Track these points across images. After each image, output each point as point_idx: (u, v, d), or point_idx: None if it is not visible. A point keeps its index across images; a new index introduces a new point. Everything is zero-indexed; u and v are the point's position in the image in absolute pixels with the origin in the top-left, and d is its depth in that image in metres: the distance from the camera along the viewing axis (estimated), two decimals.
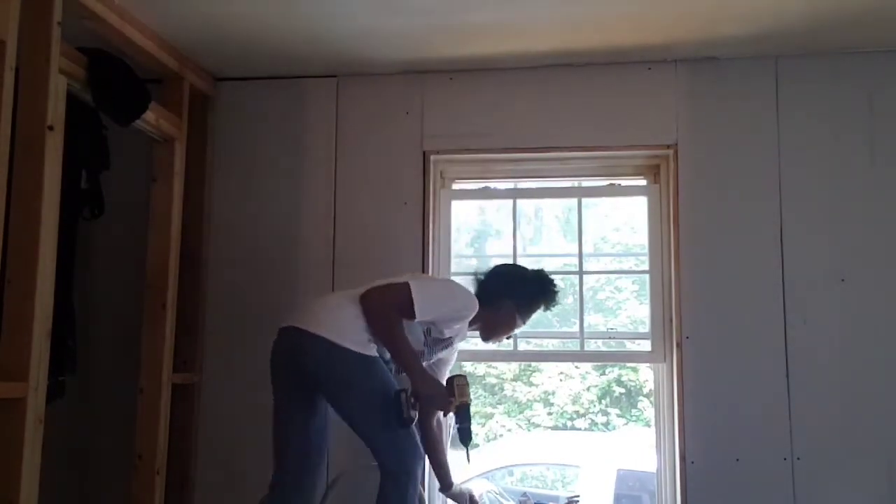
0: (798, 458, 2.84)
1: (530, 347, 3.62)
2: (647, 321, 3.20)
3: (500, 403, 8.66)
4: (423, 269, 3.09)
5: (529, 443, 7.54)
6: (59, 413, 2.59)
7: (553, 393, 8.46)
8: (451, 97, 3.20)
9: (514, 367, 8.34)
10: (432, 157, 3.19)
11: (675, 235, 3.02)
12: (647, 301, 3.22)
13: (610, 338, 4.18)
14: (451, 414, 2.57)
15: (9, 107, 2.09)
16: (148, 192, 3.00)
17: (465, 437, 2.52)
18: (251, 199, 3.26)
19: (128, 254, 3.13)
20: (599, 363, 7.83)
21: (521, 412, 8.53)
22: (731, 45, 2.94)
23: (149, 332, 2.93)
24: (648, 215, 3.19)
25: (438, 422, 2.81)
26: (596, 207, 7.44)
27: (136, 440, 2.87)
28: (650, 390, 4.80)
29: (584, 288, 3.39)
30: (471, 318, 2.59)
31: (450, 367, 2.84)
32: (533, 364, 8.24)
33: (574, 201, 3.45)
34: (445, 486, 2.79)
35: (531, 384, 8.56)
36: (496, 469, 5.68)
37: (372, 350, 2.42)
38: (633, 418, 8.34)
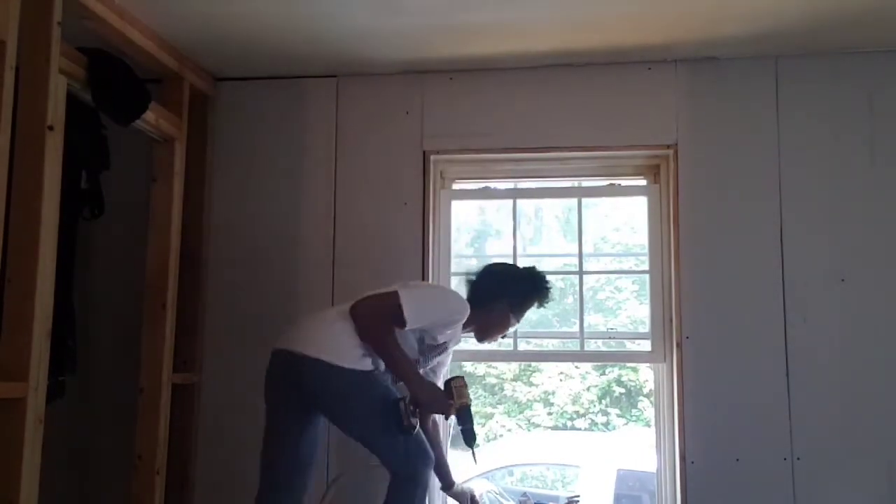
0: (798, 458, 2.84)
1: (530, 347, 3.62)
2: (647, 321, 3.20)
3: (500, 403, 8.66)
4: (423, 269, 3.10)
5: (529, 443, 7.54)
6: (59, 413, 2.59)
7: (553, 393, 8.46)
8: (451, 97, 3.19)
9: (514, 367, 8.34)
10: (432, 157, 3.19)
11: (675, 235, 3.02)
12: (647, 301, 3.22)
13: (610, 338, 4.18)
14: (453, 417, 2.56)
15: (9, 107, 2.09)
16: (148, 192, 3.00)
17: (468, 438, 2.51)
18: (251, 199, 3.26)
19: (128, 254, 3.13)
20: (599, 363, 7.83)
21: (521, 412, 8.53)
22: (731, 45, 2.94)
23: (149, 332, 2.92)
24: (648, 215, 3.19)
25: (434, 421, 2.81)
26: (596, 207, 7.45)
27: (136, 440, 2.87)
28: (650, 390, 4.80)
29: (584, 288, 3.39)
30: (463, 321, 2.58)
31: (445, 369, 2.84)
32: (533, 364, 8.24)
33: (574, 201, 3.45)
34: (447, 485, 2.79)
35: (531, 384, 8.56)
36: (496, 469, 5.68)
37: (367, 364, 2.41)
38: (633, 418, 8.34)
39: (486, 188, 3.41)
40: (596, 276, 7.23)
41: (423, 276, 3.09)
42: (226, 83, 3.31)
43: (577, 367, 8.32)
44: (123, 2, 2.63)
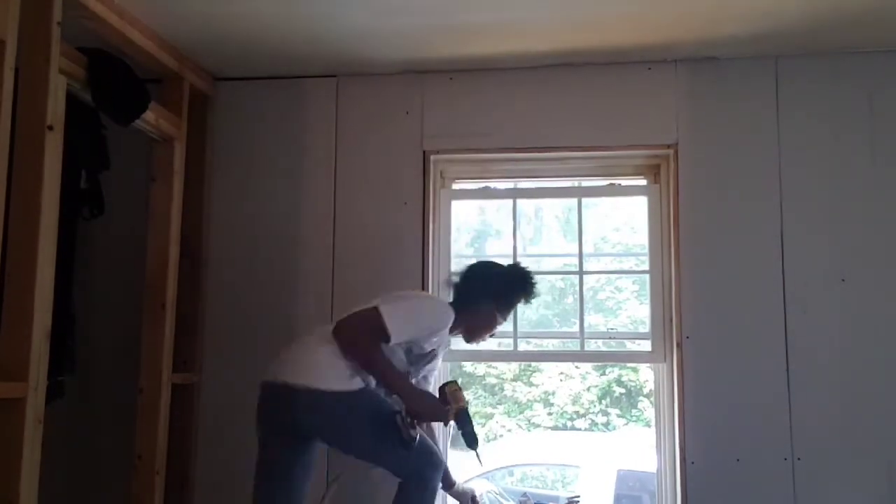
0: (798, 459, 2.84)
1: (530, 347, 3.62)
2: (648, 321, 3.20)
3: (501, 404, 8.66)
4: (423, 269, 3.09)
5: (529, 443, 7.55)
6: (59, 413, 2.59)
7: (553, 393, 8.46)
8: (451, 97, 3.19)
9: (514, 367, 8.34)
10: (432, 157, 3.19)
11: (676, 235, 3.02)
12: (648, 301, 3.22)
13: (610, 338, 4.19)
14: (452, 421, 2.54)
15: (8, 106, 2.09)
16: (147, 192, 3.00)
17: (470, 440, 2.50)
18: (251, 198, 3.26)
19: (127, 253, 3.13)
20: (600, 363, 7.83)
21: (521, 412, 8.53)
22: (731, 45, 2.94)
23: (148, 332, 2.92)
24: (648, 215, 3.19)
25: (428, 424, 2.80)
26: (596, 207, 7.45)
27: (135, 440, 2.87)
28: (650, 390, 4.80)
29: (585, 288, 3.39)
30: (448, 327, 2.56)
31: (436, 373, 2.80)
32: (533, 364, 8.25)
33: (574, 201, 3.45)
34: (447, 485, 2.79)
35: (531, 384, 8.56)
36: (496, 469, 5.68)
37: (356, 383, 2.38)
38: (634, 418, 8.34)
39: (486, 188, 3.41)
40: (596, 276, 7.23)
41: (423, 276, 3.09)
42: (225, 83, 3.31)
43: (577, 367, 8.32)
44: (123, 2, 2.63)
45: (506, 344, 3.24)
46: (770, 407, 2.87)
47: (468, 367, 8.06)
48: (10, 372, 2.15)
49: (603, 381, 8.41)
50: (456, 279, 2.74)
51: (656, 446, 3.12)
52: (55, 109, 2.29)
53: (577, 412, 8.37)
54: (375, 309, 2.39)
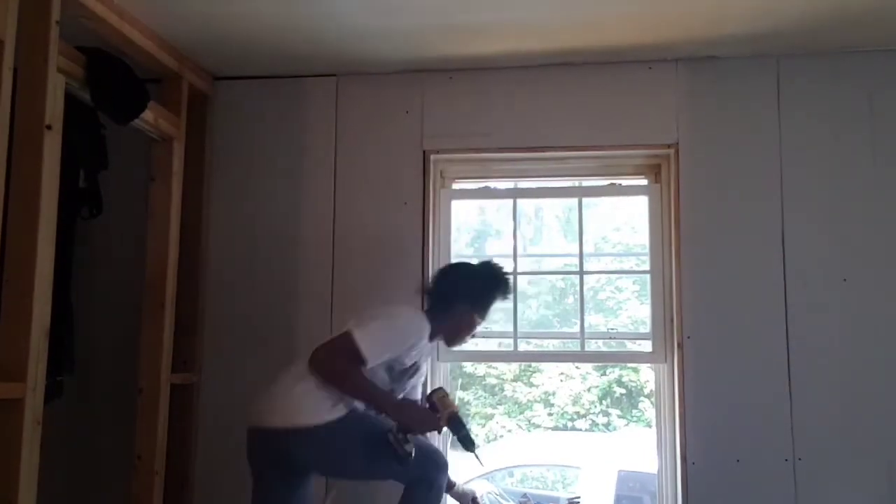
0: (799, 459, 2.83)
1: (531, 348, 3.62)
2: (648, 321, 3.19)
3: (501, 404, 8.65)
4: (423, 269, 3.08)
5: (530, 444, 7.54)
6: (58, 413, 2.59)
7: (553, 393, 8.46)
8: (450, 97, 3.19)
9: (514, 367, 8.34)
10: (432, 157, 3.19)
11: (676, 235, 3.01)
12: (648, 301, 3.21)
13: (610, 338, 4.18)
14: (445, 428, 2.52)
15: (7, 106, 2.08)
16: (146, 192, 3.00)
17: (467, 444, 2.49)
18: (250, 198, 3.25)
19: (127, 253, 3.13)
20: (600, 364, 7.83)
21: (521, 413, 8.52)
22: (731, 44, 2.94)
23: (148, 332, 2.92)
24: (649, 215, 3.18)
25: None
26: (596, 207, 7.45)
27: (135, 440, 2.87)
28: (651, 391, 4.80)
29: (585, 288, 3.39)
30: (425, 340, 2.52)
31: (422, 380, 2.76)
32: (533, 365, 8.24)
33: (574, 201, 3.44)
34: (448, 485, 2.78)
35: (531, 385, 8.56)
36: (497, 470, 5.67)
37: (340, 410, 2.35)
38: (634, 419, 8.34)
39: (486, 188, 3.40)
40: (596, 276, 7.23)
41: (423, 276, 3.08)
42: (225, 83, 3.31)
43: (577, 367, 8.32)
44: (123, 1, 2.62)
45: (506, 344, 3.24)
46: (771, 407, 2.86)
47: (468, 367, 8.06)
48: (9, 372, 2.15)
49: (603, 382, 8.41)
50: (430, 285, 2.72)
51: (657, 447, 3.12)
52: (54, 109, 2.29)
53: (577, 413, 8.36)
54: (348, 334, 2.37)
